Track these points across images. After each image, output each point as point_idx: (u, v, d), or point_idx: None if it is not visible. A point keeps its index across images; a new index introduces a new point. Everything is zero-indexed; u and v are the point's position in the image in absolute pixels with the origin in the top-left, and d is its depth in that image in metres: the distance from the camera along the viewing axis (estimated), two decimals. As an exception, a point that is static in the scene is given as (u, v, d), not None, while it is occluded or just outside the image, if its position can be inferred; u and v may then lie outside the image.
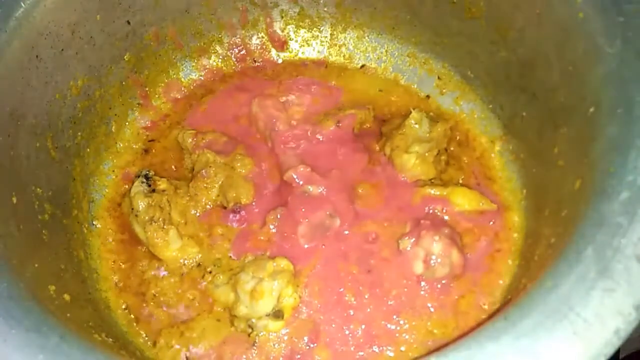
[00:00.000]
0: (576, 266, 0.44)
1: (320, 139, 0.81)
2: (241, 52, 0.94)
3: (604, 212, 0.47)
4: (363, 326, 0.67)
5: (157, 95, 0.89)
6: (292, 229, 0.73)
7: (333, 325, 0.67)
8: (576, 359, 0.40)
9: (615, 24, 0.57)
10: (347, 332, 0.67)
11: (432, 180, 0.76)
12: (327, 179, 0.76)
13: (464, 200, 0.74)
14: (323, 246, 0.72)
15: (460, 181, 0.78)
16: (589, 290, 0.42)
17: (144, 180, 0.74)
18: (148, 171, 0.76)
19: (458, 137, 0.82)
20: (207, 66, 0.93)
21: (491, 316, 0.48)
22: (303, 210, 0.73)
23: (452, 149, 0.81)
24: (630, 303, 0.41)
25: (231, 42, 0.93)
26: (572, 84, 0.62)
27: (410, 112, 0.78)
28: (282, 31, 0.93)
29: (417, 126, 0.77)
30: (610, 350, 0.40)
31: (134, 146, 0.85)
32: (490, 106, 0.81)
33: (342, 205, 0.74)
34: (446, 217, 0.73)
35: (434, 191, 0.74)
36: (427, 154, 0.76)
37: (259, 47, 0.94)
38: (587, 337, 0.40)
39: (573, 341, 0.40)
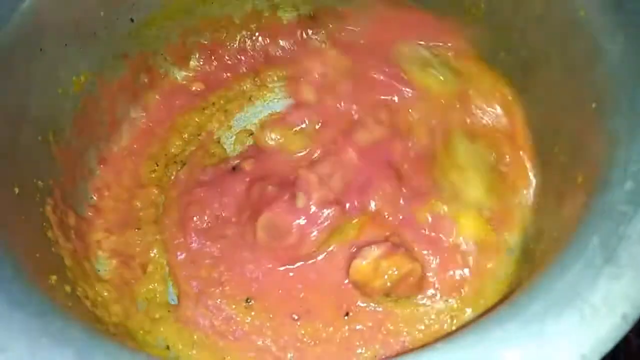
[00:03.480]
0: (582, 254, 0.44)
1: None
2: (243, 56, 0.94)
3: (608, 201, 0.47)
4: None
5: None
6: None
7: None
8: (585, 344, 0.40)
9: (616, 22, 0.58)
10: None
11: None
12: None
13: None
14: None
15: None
16: (595, 276, 0.42)
17: None
18: None
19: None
20: (208, 68, 0.93)
21: (496, 305, 0.48)
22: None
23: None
24: (637, 288, 0.41)
25: (235, 43, 0.93)
26: (573, 82, 0.63)
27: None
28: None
29: None
30: (619, 335, 0.40)
31: (135, 144, 0.85)
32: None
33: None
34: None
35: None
36: None
37: (261, 49, 0.94)
38: (595, 322, 0.40)
39: (581, 326, 0.40)
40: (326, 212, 0.68)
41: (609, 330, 0.40)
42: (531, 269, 0.59)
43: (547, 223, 0.63)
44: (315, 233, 0.68)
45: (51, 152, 0.70)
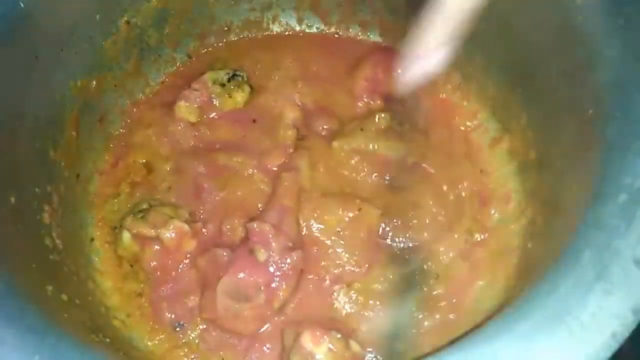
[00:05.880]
0: (574, 269, 0.44)
1: None
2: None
3: (602, 214, 0.47)
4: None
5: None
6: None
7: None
8: (573, 362, 0.40)
9: (615, 26, 0.57)
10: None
11: None
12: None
13: None
14: None
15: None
16: (586, 293, 0.42)
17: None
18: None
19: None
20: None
21: (487, 319, 0.48)
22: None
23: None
24: (628, 306, 0.41)
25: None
26: (571, 86, 0.62)
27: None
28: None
29: None
30: (607, 354, 0.40)
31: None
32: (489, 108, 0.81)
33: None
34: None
35: None
36: None
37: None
38: (584, 340, 0.40)
39: (570, 344, 0.40)
40: (289, 260, 0.64)
41: (598, 348, 0.40)
42: (527, 278, 0.59)
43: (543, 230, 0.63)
44: (283, 285, 0.64)
45: (49, 158, 0.70)
